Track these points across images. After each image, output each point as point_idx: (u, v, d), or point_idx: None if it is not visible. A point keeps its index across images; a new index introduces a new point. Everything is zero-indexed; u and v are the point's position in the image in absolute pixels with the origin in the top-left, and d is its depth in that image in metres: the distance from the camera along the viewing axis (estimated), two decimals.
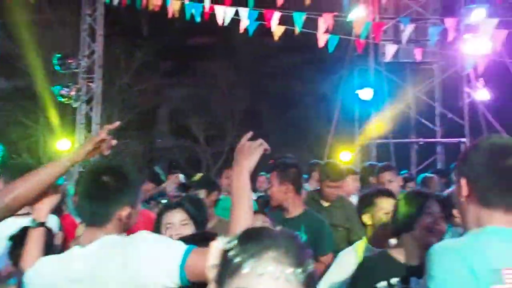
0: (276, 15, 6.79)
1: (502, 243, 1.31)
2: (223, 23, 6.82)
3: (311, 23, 7.11)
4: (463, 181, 1.39)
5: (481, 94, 10.93)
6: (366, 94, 10.95)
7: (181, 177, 4.85)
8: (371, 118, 10.80)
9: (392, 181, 3.90)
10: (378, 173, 4.05)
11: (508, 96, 11.15)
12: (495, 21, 6.37)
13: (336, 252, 3.03)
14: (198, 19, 6.91)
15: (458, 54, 9.96)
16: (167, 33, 13.87)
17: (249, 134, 1.68)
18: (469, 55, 9.24)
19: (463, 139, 10.88)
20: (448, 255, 1.30)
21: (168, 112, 16.78)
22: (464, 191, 1.39)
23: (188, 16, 6.95)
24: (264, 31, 7.23)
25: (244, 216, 1.55)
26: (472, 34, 8.88)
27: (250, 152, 1.63)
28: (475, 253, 1.28)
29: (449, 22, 6.69)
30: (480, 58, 8.50)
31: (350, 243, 3.25)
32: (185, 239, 1.78)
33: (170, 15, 7.10)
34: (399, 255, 2.05)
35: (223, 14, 6.74)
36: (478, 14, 9.66)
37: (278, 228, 1.03)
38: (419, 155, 11.88)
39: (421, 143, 11.78)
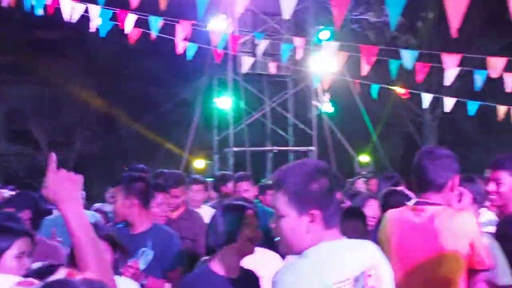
0: (131, 17, 6.43)
1: (333, 257, 1.41)
2: (70, 19, 6.20)
3: (169, 29, 6.94)
4: (317, 212, 1.43)
5: (327, 107, 12.19)
6: (224, 103, 11.23)
7: (7, 193, 4.19)
8: (229, 127, 11.08)
9: (248, 190, 4.06)
10: (235, 182, 4.17)
11: (349, 110, 12.72)
12: (335, 44, 7.07)
13: (186, 266, 2.92)
14: (38, 12, 6.15)
15: (308, 70, 10.88)
16: (6, 23, 12.17)
17: (53, 156, 1.40)
18: (316, 72, 10.18)
19: (311, 148, 12.10)
20: (290, 277, 1.36)
21: (4, 113, 14.70)
22: (318, 221, 1.43)
23: (27, 7, 6.14)
24: (120, 32, 6.81)
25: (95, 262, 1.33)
26: (319, 53, 9.79)
27: (71, 182, 1.38)
28: (312, 271, 1.36)
29: (298, 41, 7.20)
30: (325, 75, 9.41)
31: (196, 255, 3.18)
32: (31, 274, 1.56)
33: (4, 4, 6.18)
34: (221, 269, 2.08)
35: (71, 9, 6.12)
36: (323, 36, 10.76)
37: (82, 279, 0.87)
38: (274, 162, 12.62)
39: (275, 151, 12.53)
